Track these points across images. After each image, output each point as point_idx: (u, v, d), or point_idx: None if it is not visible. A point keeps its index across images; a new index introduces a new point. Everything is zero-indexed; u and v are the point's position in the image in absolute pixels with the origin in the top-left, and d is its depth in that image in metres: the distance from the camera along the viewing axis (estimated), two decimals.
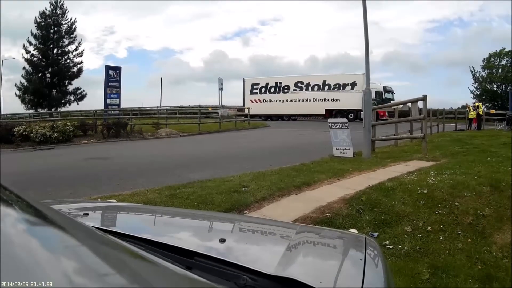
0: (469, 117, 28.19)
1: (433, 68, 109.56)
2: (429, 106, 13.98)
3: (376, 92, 37.54)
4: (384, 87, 41.22)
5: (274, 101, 46.94)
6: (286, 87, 46.72)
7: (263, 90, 48.32)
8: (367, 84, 11.93)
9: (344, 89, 42.33)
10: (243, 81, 50.52)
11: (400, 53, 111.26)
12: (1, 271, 0.53)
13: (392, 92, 42.62)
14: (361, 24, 11.61)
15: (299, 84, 45.93)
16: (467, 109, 29.44)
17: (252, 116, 47.07)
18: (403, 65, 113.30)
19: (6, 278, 0.52)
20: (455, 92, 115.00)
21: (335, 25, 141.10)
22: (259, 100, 48.05)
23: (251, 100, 48.35)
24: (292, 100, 45.42)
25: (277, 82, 47.48)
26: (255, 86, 49.15)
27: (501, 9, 78.66)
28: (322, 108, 42.43)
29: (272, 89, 47.59)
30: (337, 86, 42.83)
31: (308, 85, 45.12)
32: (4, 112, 47.62)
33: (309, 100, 44.06)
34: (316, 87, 44.48)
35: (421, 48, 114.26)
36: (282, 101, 46.34)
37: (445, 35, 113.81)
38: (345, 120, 12.06)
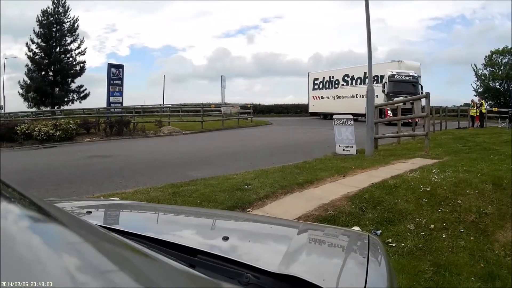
0: (471, 114, 28.05)
1: (435, 65, 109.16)
2: (431, 103, 13.94)
3: (384, 83, 31.72)
4: (391, 76, 31.30)
5: (328, 97, 42.17)
6: (336, 82, 41.59)
7: (321, 85, 44.06)
8: (370, 81, 11.91)
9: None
10: (308, 75, 47.23)
11: (404, 50, 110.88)
12: (5, 268, 0.53)
13: (410, 83, 30.99)
14: (364, 21, 11.57)
15: (345, 78, 40.32)
16: (471, 104, 29.27)
17: (313, 115, 44.56)
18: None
19: (9, 275, 0.52)
20: (458, 90, 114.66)
21: (338, 22, 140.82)
22: (318, 96, 44.27)
23: (313, 97, 45.41)
24: (341, 97, 39.90)
25: (330, 76, 42.38)
26: (315, 81, 45.10)
27: (503, 7, 78.45)
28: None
29: (327, 84, 42.93)
30: (375, 78, 31.95)
31: (352, 78, 39.31)
32: (6, 110, 47.85)
33: (353, 97, 37.60)
34: (358, 81, 38.40)
35: (423, 45, 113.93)
36: (334, 97, 41.25)
37: (448, 32, 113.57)
38: (350, 116, 12.00)
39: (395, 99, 22.69)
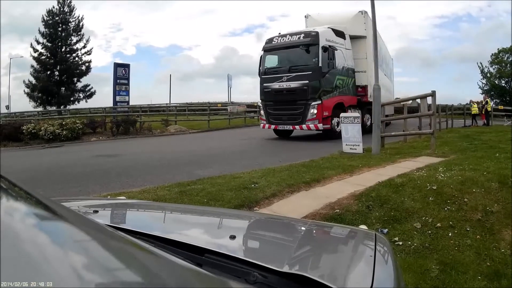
0: (472, 112, 27.81)
1: (442, 63, 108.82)
2: (437, 102, 13.88)
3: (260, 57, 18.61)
4: (268, 42, 18.15)
5: None
6: None
7: None
8: (377, 79, 11.85)
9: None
10: None
11: (411, 48, 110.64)
12: (12, 266, 0.54)
13: (296, 47, 16.76)
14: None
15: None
16: (470, 103, 29.08)
17: None
18: (413, 60, 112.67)
19: (15, 273, 0.53)
20: (464, 88, 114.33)
21: None
22: None
23: None
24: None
25: None
26: None
27: (508, 5, 78.04)
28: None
29: None
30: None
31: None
32: (12, 110, 48.13)
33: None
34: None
35: (430, 43, 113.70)
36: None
37: (454, 30, 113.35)
38: (357, 114, 11.97)
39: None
